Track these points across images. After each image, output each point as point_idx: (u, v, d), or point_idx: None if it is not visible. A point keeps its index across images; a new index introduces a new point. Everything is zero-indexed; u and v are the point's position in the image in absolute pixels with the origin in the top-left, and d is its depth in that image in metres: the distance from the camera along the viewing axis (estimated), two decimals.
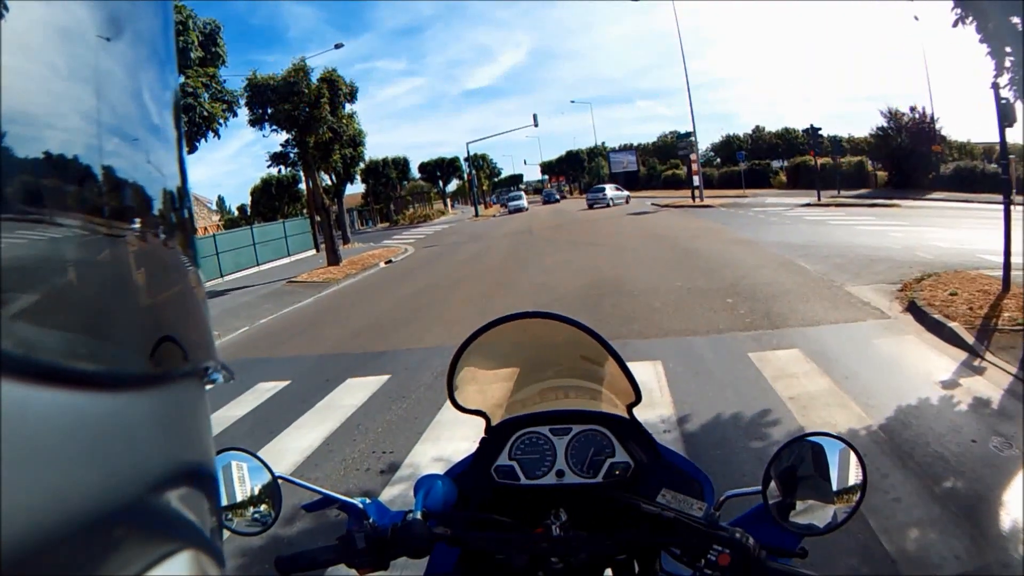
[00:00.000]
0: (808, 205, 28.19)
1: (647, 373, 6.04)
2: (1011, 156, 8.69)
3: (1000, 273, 8.55)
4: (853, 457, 1.18)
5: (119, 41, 0.45)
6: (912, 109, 34.52)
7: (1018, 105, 7.55)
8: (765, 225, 20.77)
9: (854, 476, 1.18)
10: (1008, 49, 7.35)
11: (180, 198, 0.56)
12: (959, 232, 15.36)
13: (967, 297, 8.33)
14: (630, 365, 1.36)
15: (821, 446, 1.17)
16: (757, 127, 66.18)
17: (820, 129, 34.29)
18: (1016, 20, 7.13)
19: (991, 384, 5.89)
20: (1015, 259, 8.42)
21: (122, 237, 0.48)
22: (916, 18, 31.30)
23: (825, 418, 5.12)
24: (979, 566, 3.28)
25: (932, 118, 33.82)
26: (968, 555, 3.46)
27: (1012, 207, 8.32)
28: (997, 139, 8.40)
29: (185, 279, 0.60)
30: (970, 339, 6.97)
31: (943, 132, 34.73)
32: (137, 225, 0.51)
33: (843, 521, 1.17)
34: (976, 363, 6.44)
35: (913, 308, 8.28)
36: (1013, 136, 8.24)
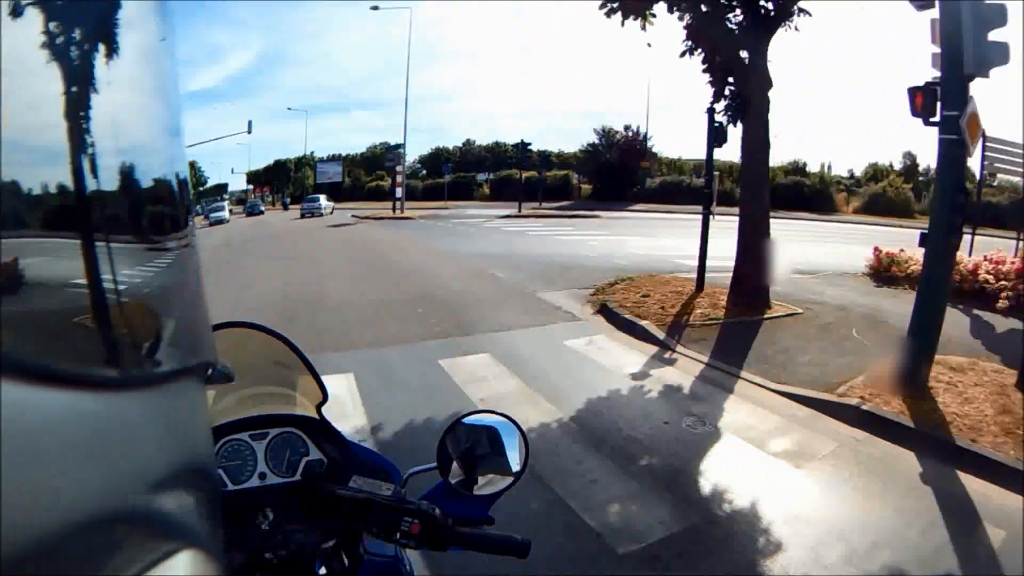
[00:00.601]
0: (508, 217, 33.92)
1: (339, 386, 6.92)
2: (716, 172, 12.07)
3: (694, 276, 11.61)
4: (515, 430, 1.75)
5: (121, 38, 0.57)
6: (626, 128, 43.93)
7: (735, 127, 10.76)
8: (463, 237, 24.73)
9: (520, 446, 1.74)
10: (730, 79, 10.58)
11: (181, 197, 0.70)
12: (658, 240, 19.44)
13: (659, 298, 10.96)
14: (323, 378, 1.80)
15: (492, 427, 1.76)
16: (467, 140, 77.95)
17: (530, 144, 42.15)
18: (744, 55, 10.32)
19: (682, 372, 7.89)
20: (710, 263, 11.47)
21: (122, 237, 0.58)
22: (649, 45, 41.44)
23: (516, 415, 6.28)
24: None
25: (645, 136, 43.48)
26: (671, 518, 4.65)
27: (711, 216, 11.50)
28: (706, 156, 11.50)
29: (185, 278, 0.73)
30: (661, 335, 9.17)
31: (655, 149, 45.21)
32: (137, 225, 0.62)
33: (513, 483, 1.71)
34: (667, 355, 8.54)
35: (604, 310, 10.57)
36: (722, 155, 12.01)
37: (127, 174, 0.59)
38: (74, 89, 0.51)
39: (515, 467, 1.73)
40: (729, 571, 4.22)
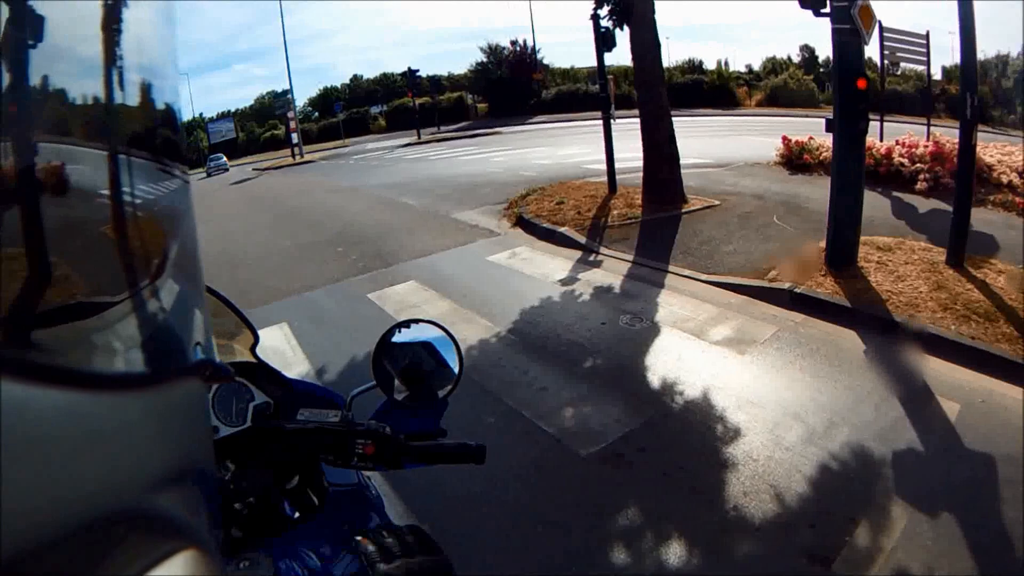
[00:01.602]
0: (408, 145, 33.43)
1: (275, 337, 6.77)
2: (610, 76, 12.01)
3: (605, 179, 11.59)
4: (442, 332, 1.75)
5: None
6: (513, 42, 43.98)
7: (622, 31, 10.61)
8: (367, 171, 24.16)
9: (454, 352, 1.74)
10: None
11: (181, 195, 0.71)
12: (562, 149, 19.27)
13: (574, 204, 10.87)
14: (258, 332, 1.80)
15: (428, 342, 1.75)
16: (355, 76, 76.30)
17: (418, 71, 42.45)
18: None
19: (610, 273, 7.85)
20: (618, 165, 11.43)
21: (122, 237, 0.58)
22: None
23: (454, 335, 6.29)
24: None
25: (533, 50, 43.57)
26: (626, 415, 4.64)
27: (612, 121, 11.47)
28: (597, 62, 11.54)
29: (186, 279, 0.74)
30: (582, 239, 9.13)
31: (545, 61, 45.33)
32: (138, 225, 0.62)
33: (453, 387, 1.71)
34: (592, 258, 8.50)
35: (522, 221, 10.48)
36: (617, 59, 11.76)
37: (126, 171, 0.60)
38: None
39: (454, 368, 1.74)
40: (693, 461, 4.21)
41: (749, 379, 5.23)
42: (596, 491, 3.96)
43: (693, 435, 4.48)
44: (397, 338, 1.75)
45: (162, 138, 0.70)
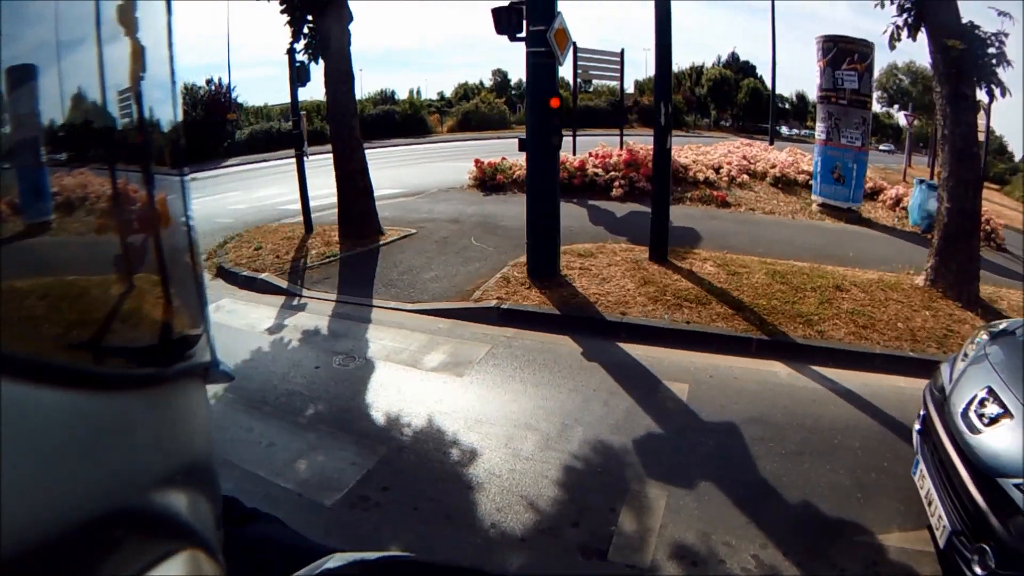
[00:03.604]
0: None
1: None
2: (302, 112, 11.67)
3: (301, 219, 11.25)
4: None
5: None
6: (208, 82, 41.41)
7: (317, 64, 10.58)
8: None
9: None
10: (309, 17, 10.32)
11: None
12: (258, 192, 18.41)
13: (272, 247, 10.47)
14: None
15: None
16: None
17: None
18: None
19: (315, 315, 7.65)
20: (313, 203, 11.23)
21: (122, 237, 0.60)
22: None
23: None
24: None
25: (228, 88, 41.28)
26: (360, 457, 4.55)
27: (305, 158, 11.21)
28: (291, 98, 11.49)
29: (186, 279, 0.76)
30: (283, 283, 8.80)
31: (240, 99, 43.21)
32: (138, 225, 0.64)
33: None
34: (296, 302, 8.22)
35: (222, 272, 9.82)
36: (306, 94, 11.56)
37: (126, 171, 0.62)
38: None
39: None
40: (439, 489, 4.22)
41: (473, 399, 5.36)
42: (351, 537, 3.85)
43: (431, 464, 4.50)
44: None
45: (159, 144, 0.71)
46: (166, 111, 0.70)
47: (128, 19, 0.60)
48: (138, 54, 0.62)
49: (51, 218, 0.49)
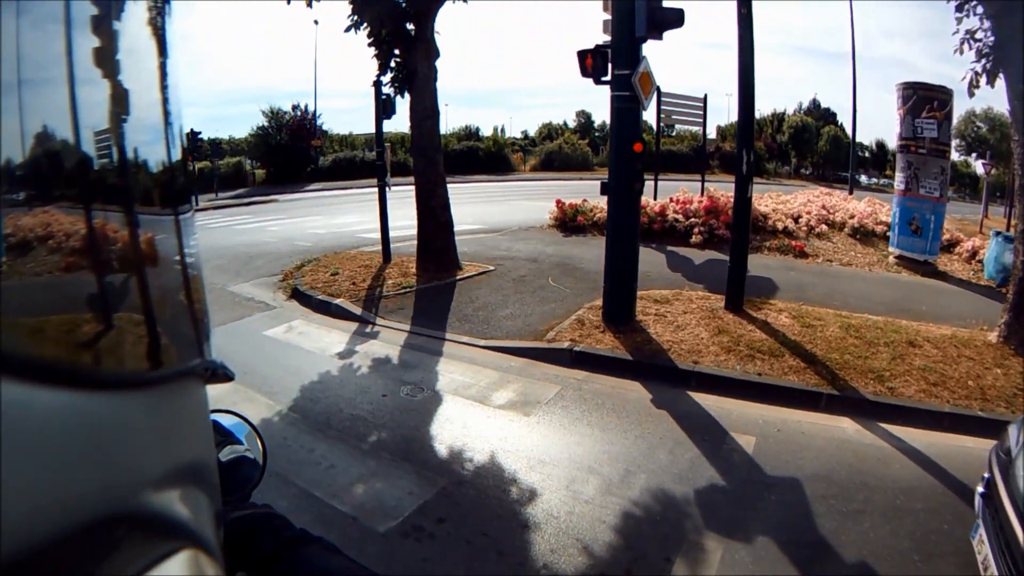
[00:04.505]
0: None
1: None
2: (387, 143, 12.13)
3: (380, 248, 11.51)
4: (244, 424, 1.70)
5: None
6: (295, 107, 42.98)
7: (398, 100, 10.94)
8: None
9: (256, 441, 1.69)
10: (396, 52, 10.59)
11: (181, 195, 0.74)
12: (337, 218, 19.03)
13: (349, 274, 10.70)
14: None
15: (228, 432, 1.67)
16: None
17: (200, 133, 39.75)
18: (410, 27, 10.36)
19: (387, 344, 7.71)
20: (393, 234, 11.45)
21: (122, 237, 0.59)
22: (316, 22, 41.83)
23: None
24: None
25: (314, 114, 42.80)
26: (419, 487, 4.55)
27: (388, 189, 11.49)
28: (375, 129, 11.68)
29: (186, 278, 0.75)
30: (358, 310, 8.96)
31: (325, 127, 44.68)
32: (138, 224, 0.63)
33: (260, 477, 1.63)
34: (368, 329, 8.32)
35: (297, 294, 10.13)
36: (391, 126, 11.96)
37: (126, 169, 0.62)
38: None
39: (258, 460, 1.67)
40: (494, 526, 4.17)
41: (538, 439, 5.31)
42: (402, 567, 3.84)
43: (490, 500, 4.46)
44: None
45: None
46: (156, 152, 0.70)
47: (107, 62, 0.60)
48: (120, 97, 0.62)
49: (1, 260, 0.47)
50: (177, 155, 0.74)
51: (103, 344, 0.56)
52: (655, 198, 13.80)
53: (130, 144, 0.63)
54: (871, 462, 5.01)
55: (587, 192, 13.53)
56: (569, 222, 13.95)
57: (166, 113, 0.72)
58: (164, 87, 0.73)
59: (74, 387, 0.47)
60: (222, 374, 0.92)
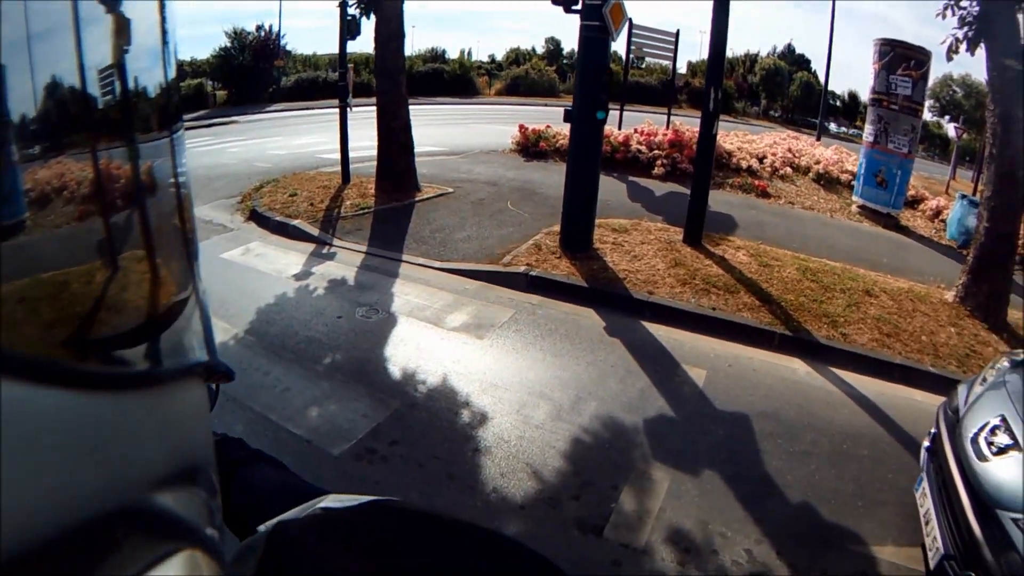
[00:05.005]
0: None
1: None
2: (349, 65, 11.78)
3: (339, 169, 11.37)
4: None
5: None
6: (258, 28, 41.83)
7: (369, 19, 10.65)
8: None
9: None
10: None
11: (179, 196, 0.73)
12: (298, 139, 18.60)
13: (307, 195, 10.61)
14: None
15: None
16: None
17: None
18: None
19: (343, 265, 7.69)
20: (353, 155, 11.30)
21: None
22: None
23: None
24: None
25: (278, 35, 41.68)
26: (372, 410, 4.61)
27: (349, 109, 11.26)
28: (339, 50, 11.50)
29: (185, 278, 0.75)
30: (315, 231, 8.89)
31: (289, 47, 43.50)
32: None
33: (212, 405, 1.64)
34: (325, 251, 8.28)
35: (255, 215, 10.01)
36: (355, 47, 11.59)
37: (125, 168, 0.62)
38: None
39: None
40: (446, 449, 4.25)
41: (490, 363, 5.37)
42: (355, 489, 3.84)
43: (442, 423, 4.54)
44: None
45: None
46: (155, 76, 0.69)
47: None
48: (122, 28, 0.61)
49: (24, 216, 0.48)
50: (172, 73, 0.73)
51: (104, 344, 0.56)
52: (620, 128, 13.63)
53: (131, 74, 0.62)
54: (820, 405, 5.15)
55: (551, 119, 13.38)
56: (531, 147, 13.78)
57: (163, 32, 0.71)
58: (162, 6, 0.71)
59: (74, 387, 0.47)
60: (223, 373, 0.91)
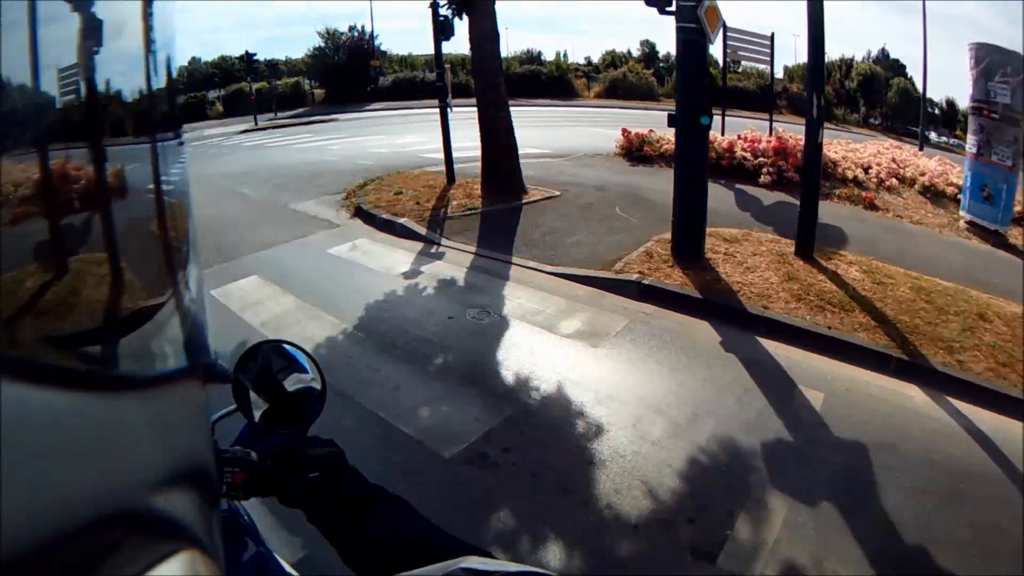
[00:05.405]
0: (246, 131, 31.01)
1: None
2: (447, 65, 11.90)
3: (443, 169, 11.43)
4: (301, 354, 1.64)
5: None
6: (351, 28, 43.13)
7: (456, 22, 10.72)
8: (203, 159, 21.82)
9: (311, 367, 1.63)
10: None
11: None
12: (399, 138, 18.89)
13: (413, 194, 10.63)
14: None
15: (280, 354, 1.65)
16: (192, 58, 71.43)
17: (255, 54, 40.46)
18: None
19: (452, 265, 7.65)
20: (456, 155, 11.31)
21: (121, 237, 0.60)
22: None
23: (300, 333, 5.81)
24: None
25: (371, 35, 42.84)
26: (484, 413, 4.52)
27: (449, 110, 11.33)
28: (434, 51, 11.63)
29: (184, 279, 0.77)
30: (422, 230, 8.90)
31: (383, 48, 44.63)
32: (136, 224, 0.66)
33: (320, 406, 1.60)
34: (433, 250, 8.26)
35: (360, 212, 10.11)
36: (451, 48, 11.79)
37: (123, 168, 0.65)
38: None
39: (316, 387, 1.63)
40: (560, 460, 4.12)
41: (605, 373, 5.22)
42: (465, 495, 3.82)
43: (556, 432, 4.41)
44: (255, 359, 1.62)
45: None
46: (133, 81, 0.68)
47: None
48: (92, 28, 0.59)
49: None
50: (162, 82, 0.74)
51: (104, 344, 0.56)
52: (723, 134, 13.32)
53: (101, 77, 0.60)
54: (938, 439, 4.78)
55: (653, 122, 13.13)
56: (635, 151, 13.52)
57: (148, 39, 0.70)
58: (148, 15, 0.70)
59: (74, 387, 0.46)
60: (219, 372, 0.91)
